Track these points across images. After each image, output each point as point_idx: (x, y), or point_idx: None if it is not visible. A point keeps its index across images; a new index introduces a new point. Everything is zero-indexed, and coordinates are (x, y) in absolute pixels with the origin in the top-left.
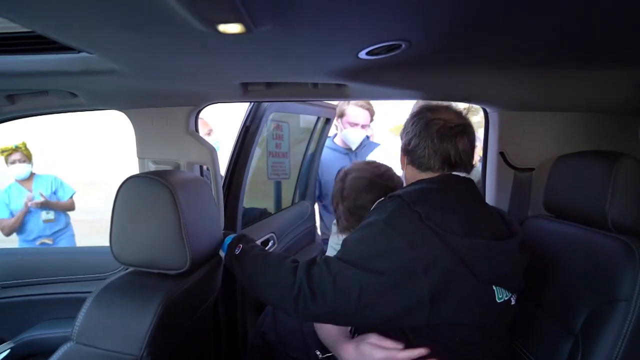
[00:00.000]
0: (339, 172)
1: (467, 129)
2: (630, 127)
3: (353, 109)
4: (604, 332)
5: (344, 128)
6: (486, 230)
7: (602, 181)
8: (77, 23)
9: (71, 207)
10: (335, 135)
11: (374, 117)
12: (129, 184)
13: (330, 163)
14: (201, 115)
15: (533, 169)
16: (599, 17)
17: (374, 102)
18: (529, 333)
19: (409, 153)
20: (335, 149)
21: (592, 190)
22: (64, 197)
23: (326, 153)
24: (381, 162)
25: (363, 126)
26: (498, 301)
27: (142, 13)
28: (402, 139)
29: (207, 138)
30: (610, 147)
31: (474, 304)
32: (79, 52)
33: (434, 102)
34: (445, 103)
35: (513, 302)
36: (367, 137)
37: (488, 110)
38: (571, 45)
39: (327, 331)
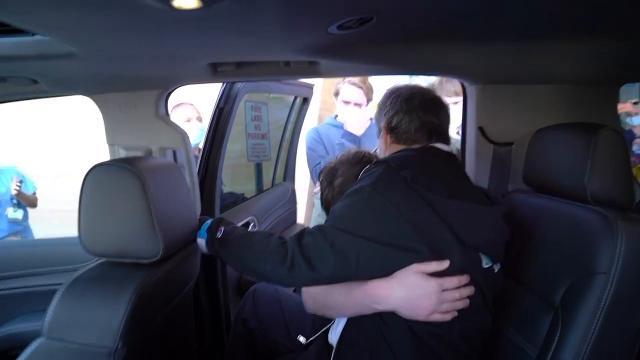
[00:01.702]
0: (322, 170)
1: (442, 101)
2: (608, 98)
3: (346, 87)
4: (583, 304)
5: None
6: (469, 196)
7: (581, 154)
8: (24, 2)
9: (35, 201)
10: (336, 115)
11: (372, 97)
12: (95, 172)
13: (333, 139)
14: (190, 101)
15: (512, 143)
16: None
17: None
18: (509, 307)
19: (393, 130)
20: (337, 125)
21: (571, 163)
22: (27, 192)
23: (328, 129)
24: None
25: (357, 105)
26: (484, 267)
27: None
28: (380, 120)
29: (196, 124)
30: (589, 119)
31: (463, 269)
32: (33, 34)
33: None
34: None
35: (496, 270)
36: (372, 119)
37: (466, 84)
38: (547, 17)
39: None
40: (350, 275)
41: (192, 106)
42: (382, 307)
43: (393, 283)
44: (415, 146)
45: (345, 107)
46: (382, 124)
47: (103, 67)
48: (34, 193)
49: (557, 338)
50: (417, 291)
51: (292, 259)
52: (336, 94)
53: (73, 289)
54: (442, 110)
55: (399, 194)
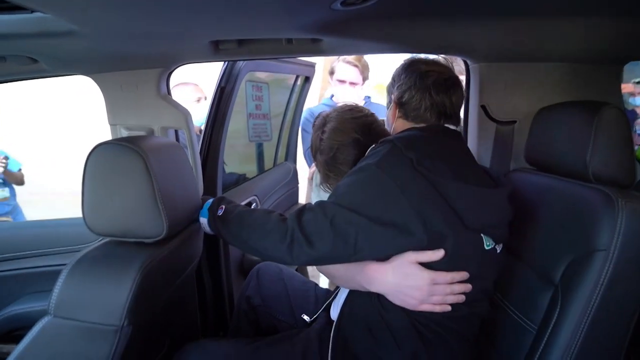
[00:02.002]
0: (317, 116)
1: (458, 82)
2: (612, 76)
3: (340, 65)
4: (582, 281)
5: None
6: (474, 179)
7: (584, 132)
8: None
9: (22, 179)
10: (333, 95)
11: (368, 75)
12: (98, 151)
13: None
14: (194, 81)
15: (515, 122)
16: None
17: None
18: (510, 285)
19: (402, 106)
20: (332, 105)
21: (574, 141)
22: (13, 169)
23: (322, 110)
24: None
25: (352, 84)
26: (486, 248)
27: None
28: (391, 92)
29: (200, 105)
30: (593, 98)
31: (464, 251)
32: (32, 11)
33: (422, 56)
34: (431, 57)
35: (498, 251)
36: (368, 97)
37: (469, 62)
38: None
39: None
40: (348, 255)
41: (197, 86)
42: (374, 288)
43: (388, 269)
44: (422, 125)
45: (341, 86)
46: (393, 97)
47: (104, 45)
48: (20, 170)
49: (556, 314)
50: (409, 281)
51: (291, 235)
52: (331, 72)
53: (78, 267)
54: (456, 91)
55: (403, 174)
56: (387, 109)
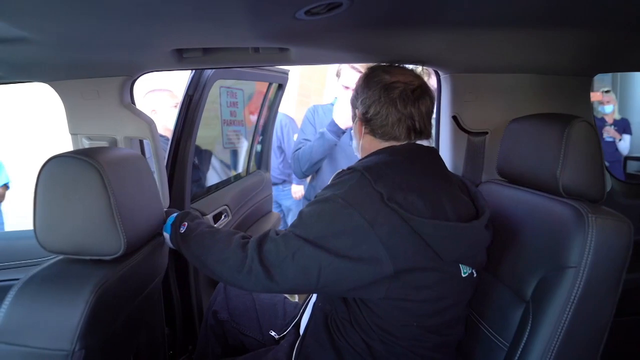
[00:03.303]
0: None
1: (427, 90)
2: (581, 88)
3: (345, 70)
4: (553, 298)
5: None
6: (450, 210)
7: (554, 146)
8: None
9: (0, 197)
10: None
11: None
12: (52, 164)
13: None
14: (169, 87)
15: (487, 133)
16: None
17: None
18: (484, 302)
19: (368, 122)
20: None
21: (544, 155)
22: None
23: (327, 112)
24: None
25: None
26: (463, 276)
27: None
28: (356, 106)
29: (175, 111)
30: (564, 109)
31: (437, 282)
32: None
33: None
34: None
35: (475, 275)
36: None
37: (440, 73)
38: (520, 6)
39: None
40: (311, 288)
41: (170, 92)
42: None
43: None
44: (392, 144)
45: (345, 92)
46: (357, 112)
47: (60, 53)
48: (5, 185)
49: (527, 332)
50: None
51: (250, 265)
52: (338, 74)
53: (27, 289)
54: (425, 100)
55: (373, 209)
56: (353, 122)
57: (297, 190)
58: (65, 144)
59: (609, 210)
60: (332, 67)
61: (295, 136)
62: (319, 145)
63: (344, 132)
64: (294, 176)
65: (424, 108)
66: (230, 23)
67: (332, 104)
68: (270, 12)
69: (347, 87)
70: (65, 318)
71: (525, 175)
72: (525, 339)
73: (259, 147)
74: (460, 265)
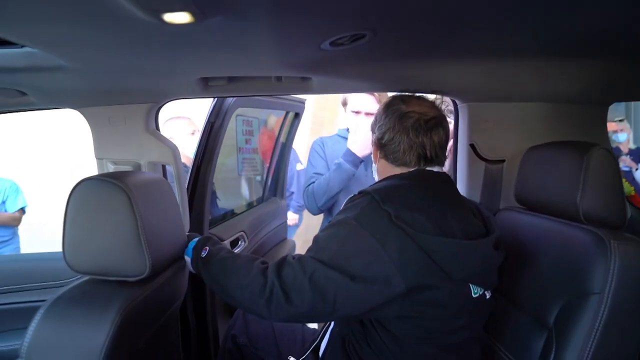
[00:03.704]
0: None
1: (441, 121)
2: (597, 117)
3: (352, 96)
4: (577, 325)
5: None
6: (458, 229)
7: (573, 172)
8: (12, 14)
9: (14, 221)
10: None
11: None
12: (82, 187)
13: (339, 155)
14: (187, 114)
15: (504, 161)
16: (565, 12)
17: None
18: (502, 328)
19: (382, 147)
20: (347, 138)
21: (563, 182)
22: (11, 209)
23: (336, 142)
24: None
25: (368, 114)
26: (474, 296)
27: (78, 3)
28: (374, 131)
29: (195, 137)
30: (580, 137)
31: (448, 301)
32: (22, 46)
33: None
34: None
35: (488, 297)
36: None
37: (457, 102)
38: (538, 37)
39: None
40: (328, 312)
41: (188, 120)
42: None
43: None
44: (404, 169)
45: (356, 117)
46: (374, 138)
47: (93, 80)
48: (22, 209)
49: (551, 359)
50: None
51: (270, 289)
52: (344, 103)
53: (54, 309)
54: (438, 132)
55: (382, 228)
56: (372, 146)
57: (292, 218)
58: (81, 169)
59: (631, 237)
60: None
61: (298, 165)
62: (336, 176)
63: (362, 160)
64: (291, 205)
65: (436, 138)
66: (257, 53)
67: (339, 135)
68: (296, 43)
69: (357, 112)
70: (91, 338)
71: (544, 202)
72: None
73: (274, 175)
74: (470, 285)
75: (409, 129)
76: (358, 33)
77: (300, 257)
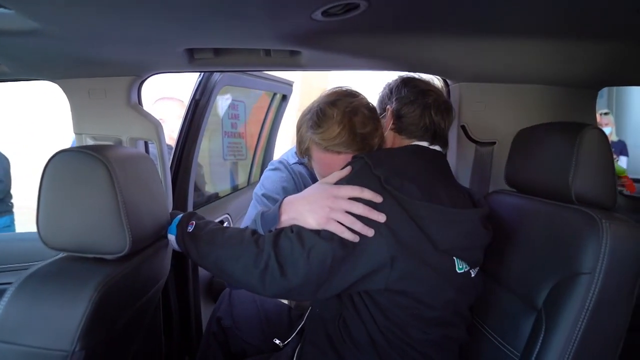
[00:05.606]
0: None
1: (452, 108)
2: (587, 100)
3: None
4: (567, 305)
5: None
6: (446, 197)
7: (566, 153)
8: None
9: None
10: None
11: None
12: (58, 158)
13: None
14: (178, 96)
15: (494, 143)
16: None
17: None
18: (490, 309)
19: (399, 118)
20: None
21: (556, 163)
22: None
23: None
24: None
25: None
26: (458, 271)
27: None
28: (388, 103)
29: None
30: (569, 120)
31: (432, 272)
32: None
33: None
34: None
35: (473, 275)
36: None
37: (449, 82)
38: (534, 17)
39: None
40: (319, 285)
41: (179, 101)
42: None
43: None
44: (412, 142)
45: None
46: (390, 108)
47: (71, 48)
48: None
49: (540, 340)
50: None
51: (266, 262)
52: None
53: (26, 286)
54: (449, 116)
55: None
56: (381, 117)
57: None
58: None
59: (622, 217)
60: (333, 75)
61: None
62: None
63: None
64: None
65: (447, 122)
66: (245, 21)
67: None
68: (287, 11)
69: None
70: (66, 317)
71: (535, 183)
72: (538, 347)
73: (261, 158)
74: (455, 259)
75: (430, 105)
76: (352, 2)
77: (300, 230)
